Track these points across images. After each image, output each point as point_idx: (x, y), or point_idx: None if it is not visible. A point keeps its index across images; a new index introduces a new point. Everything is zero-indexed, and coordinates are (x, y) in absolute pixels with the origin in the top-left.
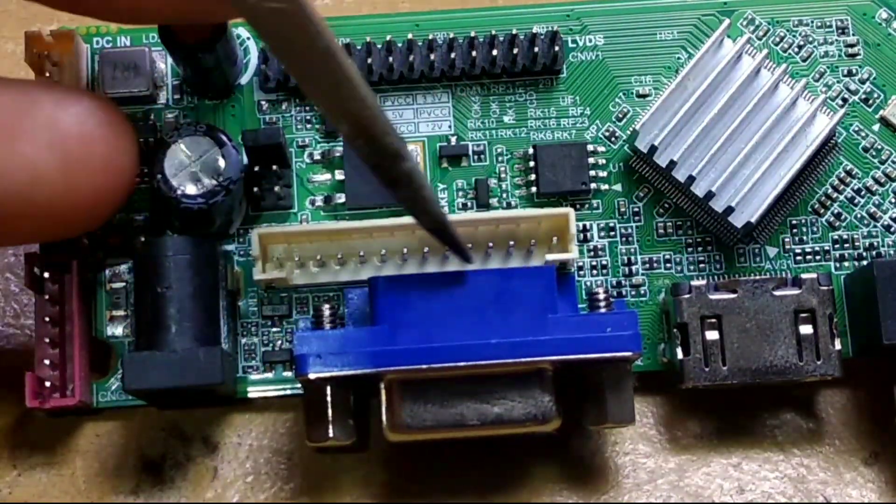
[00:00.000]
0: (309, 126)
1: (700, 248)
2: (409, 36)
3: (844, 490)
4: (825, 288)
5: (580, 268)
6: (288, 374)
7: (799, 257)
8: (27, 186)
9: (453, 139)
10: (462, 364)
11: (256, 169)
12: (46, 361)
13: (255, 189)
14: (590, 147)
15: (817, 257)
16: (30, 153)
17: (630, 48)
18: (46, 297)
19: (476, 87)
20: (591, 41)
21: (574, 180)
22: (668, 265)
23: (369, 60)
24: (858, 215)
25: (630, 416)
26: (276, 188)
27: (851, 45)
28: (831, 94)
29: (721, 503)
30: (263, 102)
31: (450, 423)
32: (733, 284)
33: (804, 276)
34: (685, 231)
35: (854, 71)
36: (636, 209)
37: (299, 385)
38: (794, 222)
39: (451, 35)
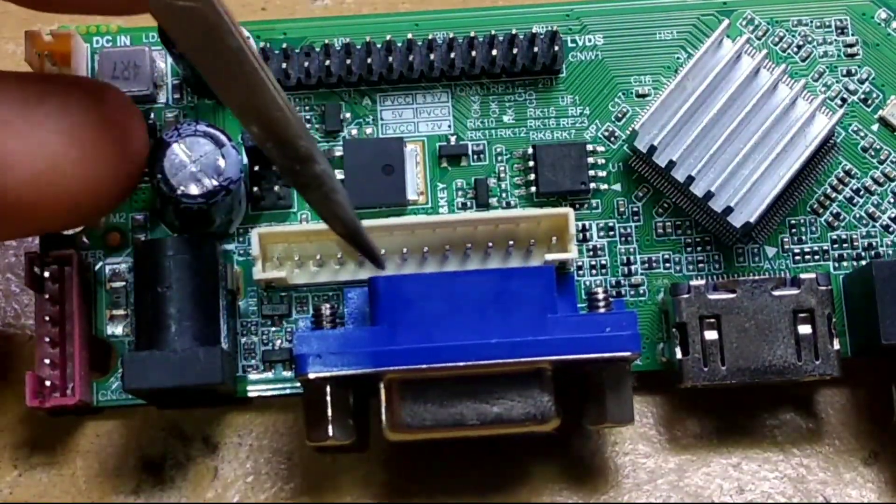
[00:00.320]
0: (309, 126)
1: (699, 248)
2: (409, 36)
3: (844, 490)
4: (824, 288)
5: (579, 267)
6: (287, 373)
7: (798, 257)
8: (46, 174)
9: (453, 139)
10: (462, 364)
11: (256, 169)
12: (46, 361)
13: (255, 189)
14: (589, 147)
15: (816, 257)
16: (47, 140)
17: (629, 48)
18: (46, 296)
19: (475, 86)
20: (590, 41)
21: (573, 180)
22: (668, 265)
23: (369, 60)
24: (857, 215)
25: (629, 415)
26: (276, 188)
27: (850, 45)
28: (830, 94)
29: (721, 503)
30: None
31: (449, 423)
32: (732, 284)
33: (803, 276)
34: (684, 231)
35: (853, 71)
36: (635, 209)
37: (299, 384)
38: (792, 222)
39: (451, 35)
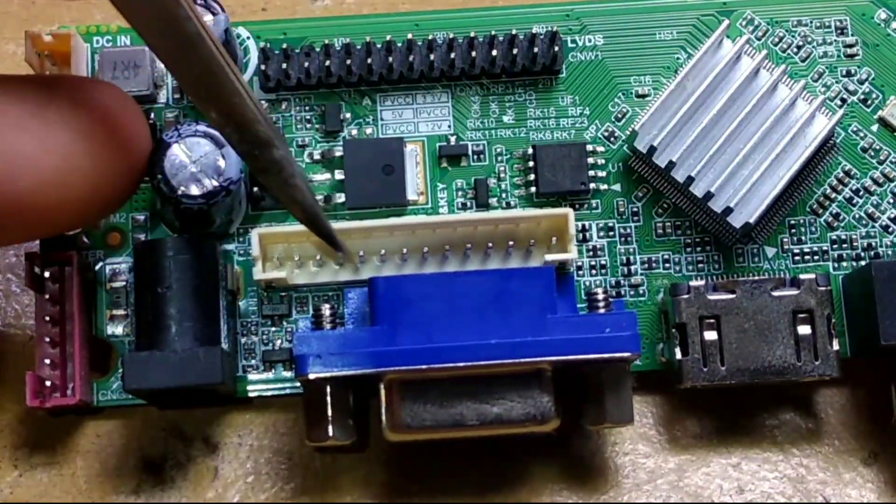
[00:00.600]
0: (309, 126)
1: (699, 248)
2: (409, 36)
3: (843, 490)
4: (823, 288)
5: (579, 267)
6: (288, 373)
7: (797, 257)
8: (61, 174)
9: (453, 139)
10: (462, 364)
11: None
12: (47, 361)
13: (255, 189)
14: (589, 147)
15: (815, 257)
16: (60, 140)
17: (629, 48)
18: (47, 296)
19: (475, 87)
20: (590, 41)
21: (573, 180)
22: (667, 265)
23: (369, 60)
24: (857, 216)
25: (629, 416)
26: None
27: (850, 46)
28: (830, 94)
29: (720, 503)
30: (263, 102)
31: (449, 423)
32: (732, 285)
33: (802, 276)
34: (684, 231)
35: (853, 71)
36: (635, 209)
37: (299, 384)
38: (792, 222)
39: (451, 35)
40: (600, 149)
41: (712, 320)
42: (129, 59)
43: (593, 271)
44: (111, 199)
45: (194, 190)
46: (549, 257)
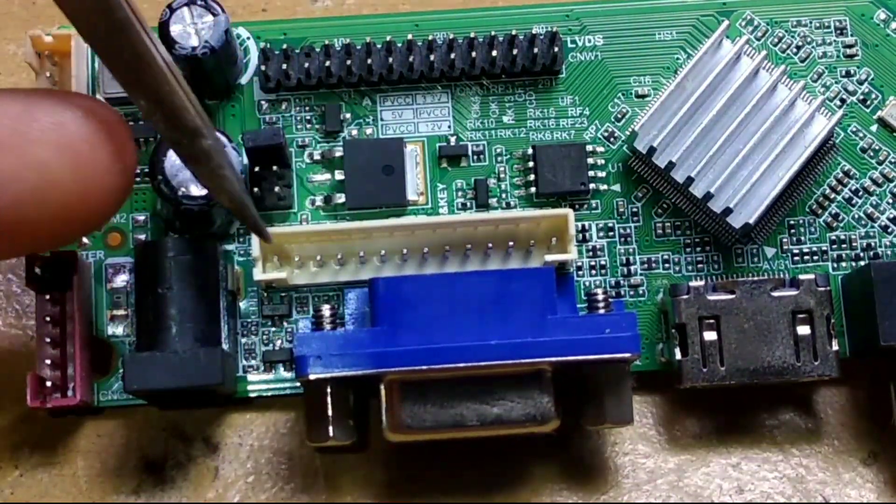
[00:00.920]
0: (309, 126)
1: (698, 249)
2: (409, 36)
3: (843, 490)
4: (823, 289)
5: (579, 268)
6: (288, 373)
7: (797, 258)
8: (41, 190)
9: (452, 139)
10: (462, 365)
11: (257, 169)
12: (47, 361)
13: (255, 189)
14: (589, 147)
15: (815, 258)
16: (41, 156)
17: (629, 48)
18: (47, 296)
19: (475, 87)
20: (590, 41)
21: (573, 180)
22: (667, 265)
23: (369, 61)
24: (856, 216)
25: (629, 416)
26: (277, 188)
27: (850, 46)
28: (829, 94)
29: (720, 503)
30: (263, 102)
31: (449, 424)
32: (731, 285)
33: (802, 276)
34: (683, 231)
35: (852, 72)
36: (635, 209)
37: (299, 385)
38: (791, 223)
39: (451, 35)
40: (600, 149)
41: (712, 321)
42: None
43: (593, 271)
44: (96, 214)
45: (194, 191)
46: (549, 258)
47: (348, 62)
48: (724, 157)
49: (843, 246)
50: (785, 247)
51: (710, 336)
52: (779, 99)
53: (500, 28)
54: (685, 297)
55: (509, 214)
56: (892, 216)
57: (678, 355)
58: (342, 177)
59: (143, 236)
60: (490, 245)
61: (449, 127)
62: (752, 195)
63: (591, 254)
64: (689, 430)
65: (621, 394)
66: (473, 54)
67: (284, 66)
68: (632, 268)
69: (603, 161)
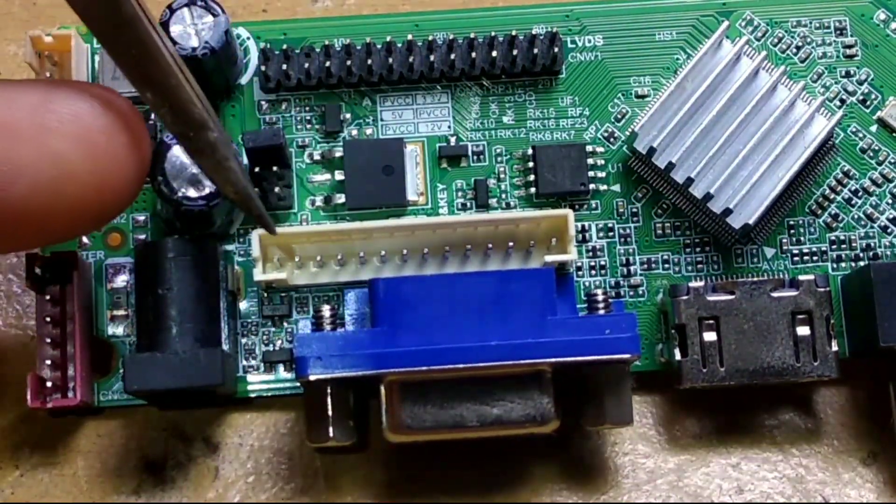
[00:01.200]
0: (309, 126)
1: (698, 249)
2: (409, 37)
3: (843, 490)
4: (822, 290)
5: (579, 268)
6: (288, 374)
7: (796, 258)
8: (59, 181)
9: (452, 139)
10: (462, 366)
11: (257, 170)
12: (48, 361)
13: (256, 190)
14: (588, 148)
15: (815, 258)
16: (59, 147)
17: (629, 49)
18: (47, 297)
19: (475, 87)
20: (590, 42)
21: (573, 181)
22: (667, 265)
23: (369, 61)
24: (856, 216)
25: (628, 416)
26: (277, 188)
27: (849, 46)
28: (829, 95)
29: (720, 503)
30: (263, 103)
31: (449, 425)
32: (731, 286)
33: (801, 277)
34: (683, 232)
35: (852, 72)
36: (634, 210)
37: (299, 385)
38: (791, 223)
39: (451, 36)
40: (600, 149)
41: (711, 321)
42: None
43: (593, 272)
44: (111, 206)
45: (194, 192)
46: (549, 258)
47: (348, 62)
48: (723, 157)
49: (843, 246)
50: (784, 247)
51: (709, 337)
52: (778, 99)
53: (499, 28)
54: (685, 297)
55: (509, 215)
56: (891, 217)
57: (678, 356)
58: (342, 177)
59: (143, 236)
60: (490, 245)
61: (449, 127)
62: (751, 196)
63: (590, 254)
64: (689, 430)
65: (621, 394)
66: (473, 55)
67: (284, 67)
68: (631, 268)
69: (603, 161)
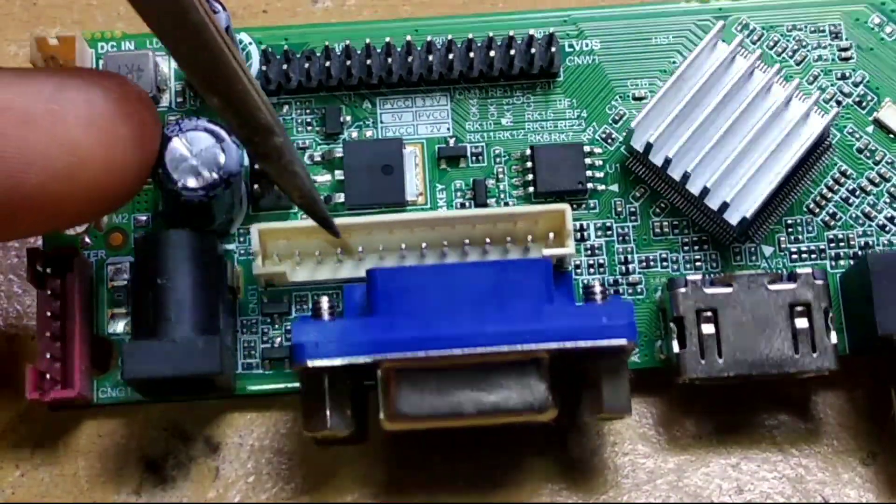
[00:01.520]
0: (309, 129)
1: (696, 247)
2: (408, 38)
3: (842, 490)
4: (820, 282)
5: (577, 266)
6: (288, 370)
7: (794, 256)
8: (72, 167)
9: (451, 141)
10: (458, 352)
11: (256, 167)
12: (48, 355)
13: (255, 186)
14: (586, 148)
15: (812, 256)
16: (73, 135)
17: (626, 52)
18: (48, 292)
19: (474, 90)
20: (587, 45)
21: (571, 180)
22: (665, 264)
23: (368, 62)
24: (853, 215)
25: (626, 406)
26: (276, 188)
27: (845, 49)
28: (825, 96)
29: (720, 503)
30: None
31: (446, 412)
32: (729, 279)
33: (799, 270)
34: (681, 230)
35: (847, 74)
36: (632, 209)
37: (298, 382)
38: (789, 221)
39: (449, 37)
40: (598, 150)
41: (709, 313)
42: (132, 62)
43: (591, 270)
44: (122, 192)
45: (194, 182)
46: (547, 252)
47: (348, 63)
48: (720, 154)
49: (841, 244)
50: (783, 245)
51: (707, 329)
52: (774, 97)
53: (498, 32)
54: (683, 290)
55: (507, 210)
56: (889, 215)
57: (676, 348)
58: (342, 177)
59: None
60: (488, 241)
61: (448, 129)
62: (748, 191)
63: (589, 252)
64: (689, 430)
65: (619, 383)
66: (472, 55)
67: (285, 68)
68: (630, 266)
69: (601, 162)
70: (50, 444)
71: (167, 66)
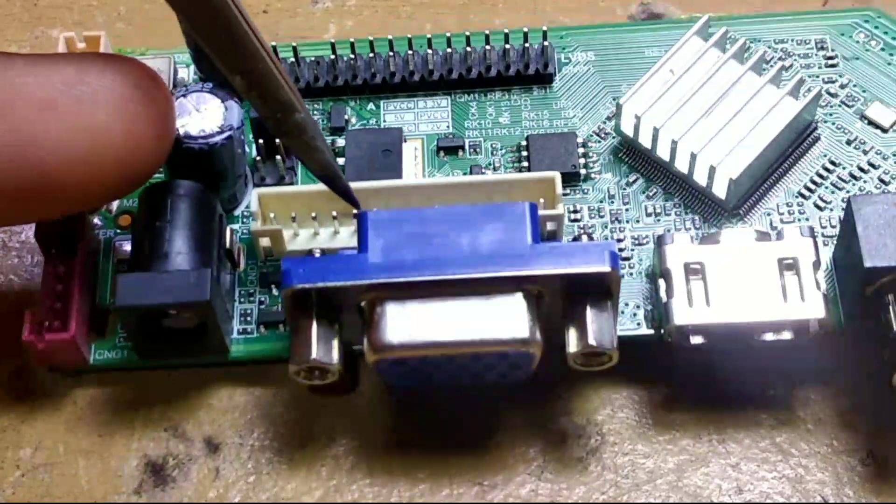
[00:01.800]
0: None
1: (688, 229)
2: (409, 40)
3: (842, 490)
4: (808, 238)
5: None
6: (283, 334)
7: None
8: (94, 151)
9: (451, 137)
10: (442, 278)
11: (261, 142)
12: (47, 304)
13: (258, 158)
14: (580, 139)
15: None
16: (95, 118)
17: (619, 63)
18: (53, 251)
19: (474, 93)
20: (583, 57)
21: (564, 163)
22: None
23: (372, 69)
24: (844, 198)
25: (610, 340)
26: (280, 170)
27: (831, 58)
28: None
29: (720, 503)
30: None
31: (431, 342)
32: (716, 236)
33: (786, 228)
34: (674, 212)
35: (834, 78)
36: (626, 195)
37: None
38: (780, 204)
39: (449, 34)
40: (592, 143)
41: (697, 266)
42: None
43: None
44: (143, 173)
45: (195, 131)
46: (540, 212)
47: (355, 65)
48: (707, 122)
49: (833, 224)
50: (775, 226)
51: (695, 280)
52: (759, 76)
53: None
54: (670, 244)
55: (500, 177)
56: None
57: (664, 298)
58: (342, 162)
59: None
60: None
61: (448, 127)
62: (733, 157)
63: (581, 231)
64: (689, 430)
65: (604, 318)
66: (471, 58)
67: (294, 70)
68: (623, 244)
69: (594, 155)
70: (50, 444)
71: (186, 73)
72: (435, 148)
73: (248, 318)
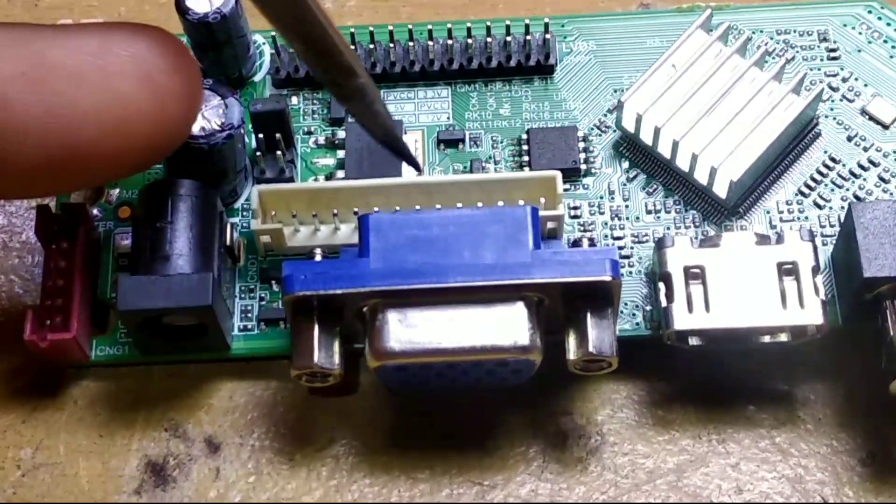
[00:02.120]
0: (315, 116)
1: (688, 227)
2: (409, 30)
3: (842, 490)
4: (807, 242)
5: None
6: (283, 332)
7: None
8: (124, 122)
9: (451, 128)
10: (443, 286)
11: (261, 136)
12: (48, 303)
13: (258, 153)
14: (580, 133)
15: None
16: (122, 90)
17: (621, 53)
18: (53, 246)
19: (475, 84)
20: (585, 46)
21: (565, 159)
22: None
23: (372, 59)
24: (844, 196)
25: (610, 347)
26: (280, 163)
27: (833, 50)
28: (815, 90)
29: (720, 503)
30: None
31: (431, 349)
32: (717, 240)
33: (786, 231)
34: (674, 209)
35: (835, 71)
36: (626, 191)
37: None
38: (780, 202)
39: (449, 26)
40: (592, 137)
41: (697, 270)
42: None
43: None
44: (171, 142)
45: (196, 129)
46: (540, 213)
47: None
48: (708, 121)
49: (832, 222)
50: (774, 224)
51: (695, 284)
52: (761, 73)
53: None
54: (670, 247)
55: (500, 176)
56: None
57: (664, 303)
58: (342, 155)
59: None
60: (480, 205)
61: (448, 118)
62: (734, 158)
63: (581, 228)
64: (689, 430)
65: (604, 325)
66: (471, 48)
67: (295, 59)
68: (622, 241)
69: (595, 149)
70: (51, 444)
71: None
72: (435, 140)
73: (249, 315)
